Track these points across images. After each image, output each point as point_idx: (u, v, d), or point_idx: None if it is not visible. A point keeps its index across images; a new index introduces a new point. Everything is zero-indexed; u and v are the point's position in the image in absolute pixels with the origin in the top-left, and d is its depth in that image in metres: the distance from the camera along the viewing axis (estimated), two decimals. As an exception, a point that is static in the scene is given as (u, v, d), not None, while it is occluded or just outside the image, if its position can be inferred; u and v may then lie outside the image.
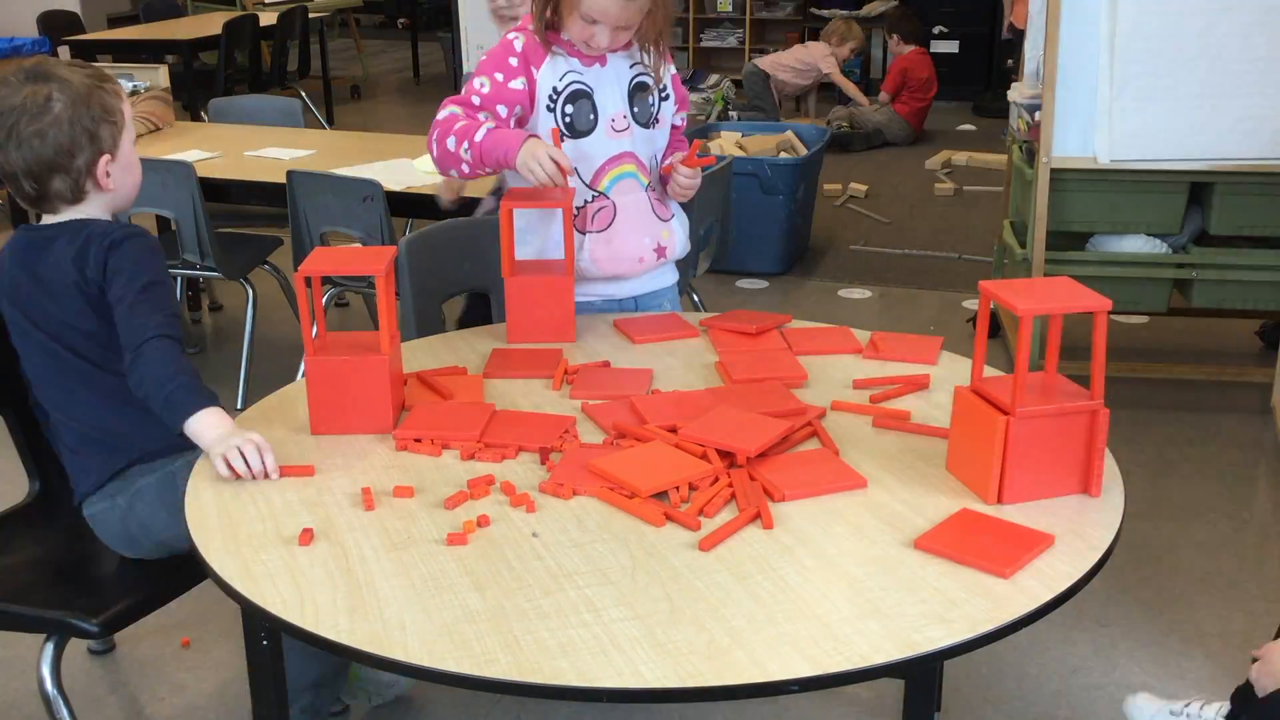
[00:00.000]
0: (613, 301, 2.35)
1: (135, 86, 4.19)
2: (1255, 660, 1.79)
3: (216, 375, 3.82)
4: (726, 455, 1.62)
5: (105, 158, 1.86)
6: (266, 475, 1.61)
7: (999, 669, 2.43)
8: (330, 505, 1.55)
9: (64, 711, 1.91)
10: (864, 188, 6.29)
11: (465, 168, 2.13)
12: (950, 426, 1.64)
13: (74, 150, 1.84)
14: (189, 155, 3.61)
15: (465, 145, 2.09)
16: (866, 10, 9.16)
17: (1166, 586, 2.71)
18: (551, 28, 2.16)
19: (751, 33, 9.53)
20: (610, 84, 2.21)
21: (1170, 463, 3.24)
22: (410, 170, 3.46)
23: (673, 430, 1.70)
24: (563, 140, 2.18)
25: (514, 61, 2.16)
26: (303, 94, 7.45)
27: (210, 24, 7.40)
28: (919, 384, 1.90)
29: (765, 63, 7.72)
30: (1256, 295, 3.45)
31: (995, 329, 4.07)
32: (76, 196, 1.89)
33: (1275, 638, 1.87)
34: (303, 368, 1.79)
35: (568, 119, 2.19)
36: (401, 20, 11.90)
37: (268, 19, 7.54)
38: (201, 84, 6.91)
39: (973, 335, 1.66)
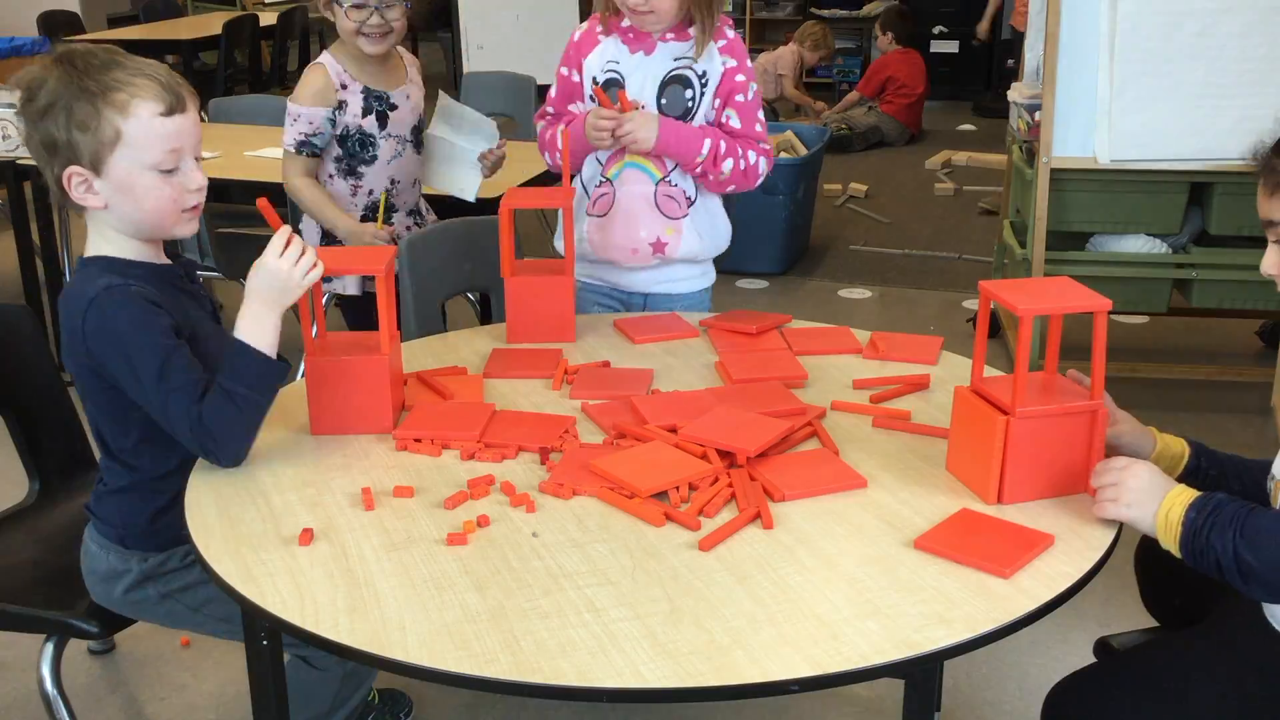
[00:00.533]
0: (619, 291, 2.37)
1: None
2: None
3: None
4: (726, 455, 1.62)
5: (76, 169, 1.64)
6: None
7: (999, 669, 2.43)
8: (330, 505, 1.55)
9: (64, 711, 1.91)
10: (864, 188, 6.29)
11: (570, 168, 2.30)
12: (950, 426, 1.64)
13: (48, 148, 1.65)
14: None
15: (557, 155, 2.31)
16: (866, 10, 9.16)
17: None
18: (617, 11, 2.24)
19: (751, 33, 9.53)
20: (644, 74, 2.25)
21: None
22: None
23: (673, 430, 1.70)
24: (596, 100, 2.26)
25: (571, 53, 2.32)
26: (303, 94, 7.43)
27: (210, 24, 7.40)
28: (919, 384, 1.90)
29: None
30: (1256, 295, 3.45)
31: (995, 329, 4.07)
32: (68, 201, 1.69)
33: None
34: (303, 368, 1.79)
35: (595, 102, 2.27)
36: (401, 20, 11.90)
37: (268, 19, 7.54)
38: (201, 84, 6.90)
39: (973, 335, 1.66)
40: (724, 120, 2.28)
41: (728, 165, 2.25)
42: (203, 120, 4.55)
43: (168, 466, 1.75)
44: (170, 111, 1.65)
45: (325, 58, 2.71)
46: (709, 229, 2.36)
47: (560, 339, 2.12)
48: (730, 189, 2.32)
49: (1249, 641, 1.55)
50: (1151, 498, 1.44)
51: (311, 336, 1.76)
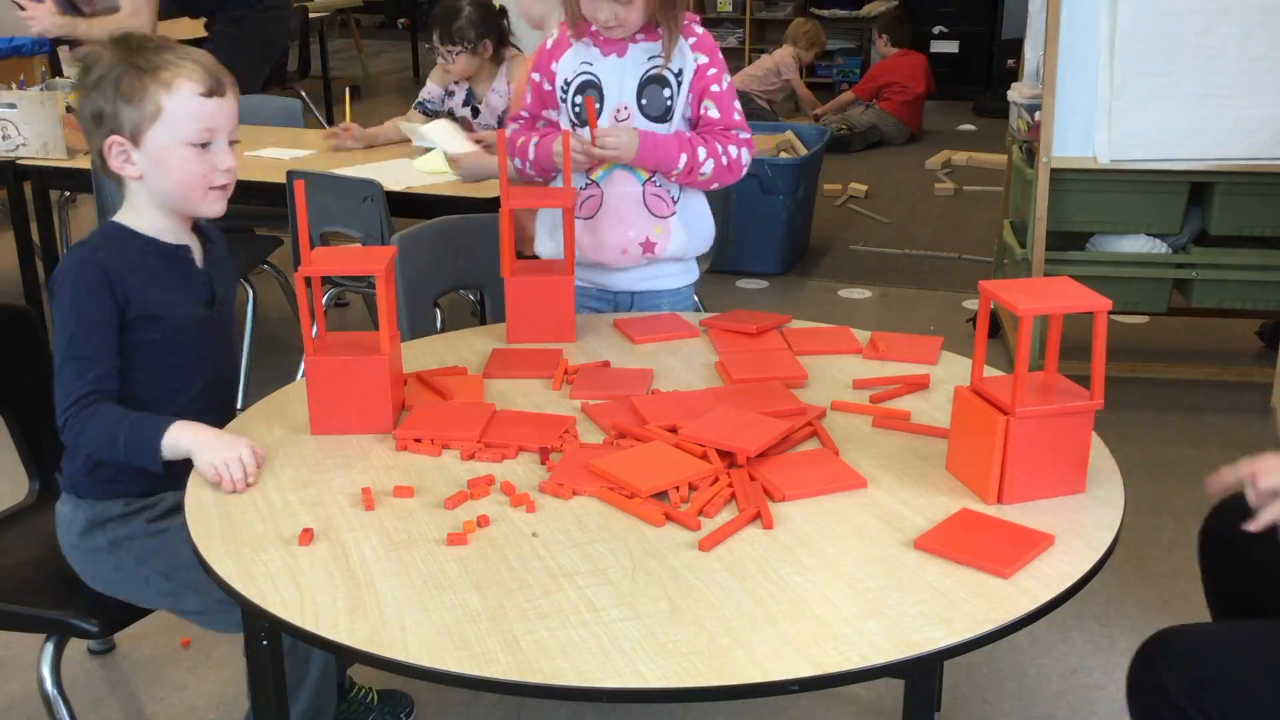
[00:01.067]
0: (607, 292, 2.37)
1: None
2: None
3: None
4: (726, 455, 1.62)
5: (116, 139, 1.77)
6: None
7: (999, 669, 2.43)
8: (330, 505, 1.55)
9: (64, 711, 1.90)
10: (864, 188, 6.29)
11: (539, 180, 2.37)
12: (950, 426, 1.64)
13: (95, 118, 1.78)
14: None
15: (525, 162, 2.34)
16: (866, 10, 9.16)
17: (1166, 586, 2.70)
18: (582, 17, 2.24)
19: (751, 33, 9.53)
20: (620, 75, 2.26)
21: (1170, 463, 3.24)
22: (410, 170, 3.46)
23: (673, 430, 1.70)
24: (575, 129, 2.28)
25: (543, 60, 2.32)
26: (303, 94, 7.45)
27: (210, 24, 7.38)
28: (919, 384, 1.90)
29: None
30: (1256, 295, 3.45)
31: (995, 329, 4.07)
32: (107, 171, 1.81)
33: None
34: (303, 368, 1.79)
35: (576, 109, 2.27)
36: (401, 20, 11.89)
37: (268, 19, 7.52)
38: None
39: (973, 335, 1.66)
40: (703, 112, 2.29)
41: (709, 166, 2.27)
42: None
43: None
44: (210, 94, 1.78)
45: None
46: (695, 226, 2.39)
47: (560, 339, 2.12)
48: (715, 186, 2.34)
49: None
50: None
51: (311, 336, 1.76)
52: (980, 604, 1.32)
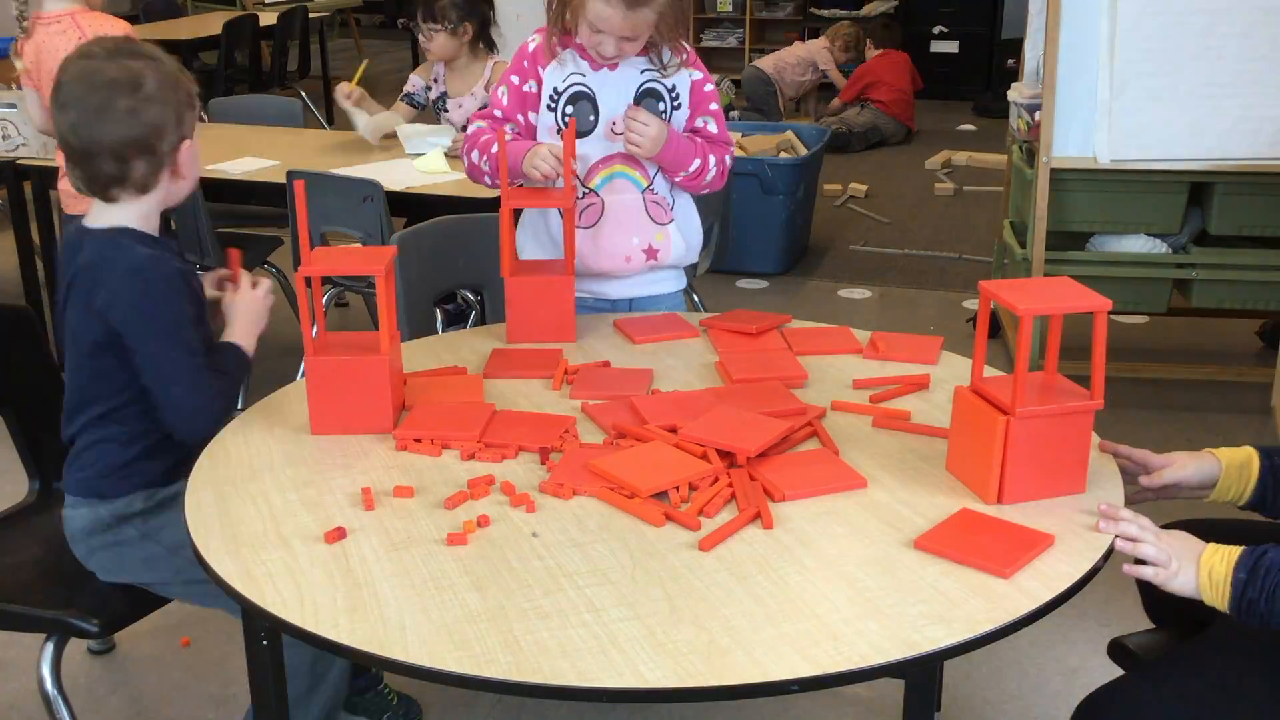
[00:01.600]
0: (604, 301, 2.36)
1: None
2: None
3: (216, 375, 3.82)
4: (726, 455, 1.62)
5: (188, 143, 1.82)
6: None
7: (999, 669, 2.43)
8: (330, 505, 1.55)
9: (64, 711, 1.90)
10: (864, 188, 6.29)
11: (488, 180, 2.28)
12: (950, 426, 1.64)
13: (164, 131, 1.78)
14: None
15: (485, 158, 2.26)
16: (866, 11, 9.16)
17: (1166, 586, 2.70)
18: (566, 31, 2.20)
19: (751, 33, 9.53)
20: (616, 87, 2.23)
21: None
22: (410, 170, 3.46)
23: (673, 430, 1.70)
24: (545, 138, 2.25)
25: (526, 64, 2.26)
26: (303, 94, 7.45)
27: (210, 24, 7.40)
28: (919, 384, 1.90)
29: (767, 64, 7.70)
30: (1256, 295, 3.45)
31: (995, 329, 4.07)
32: (149, 184, 1.81)
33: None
34: (303, 368, 1.79)
35: (567, 119, 2.23)
36: (401, 20, 11.88)
37: (268, 19, 7.54)
38: (201, 84, 6.89)
39: (973, 335, 1.66)
40: (700, 126, 2.30)
41: (712, 172, 2.30)
42: (203, 120, 4.56)
43: (147, 422, 1.85)
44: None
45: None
46: (689, 231, 2.39)
47: (560, 339, 2.12)
48: (705, 191, 2.35)
49: None
50: (1188, 559, 1.44)
51: (311, 336, 1.76)
52: (980, 604, 1.32)
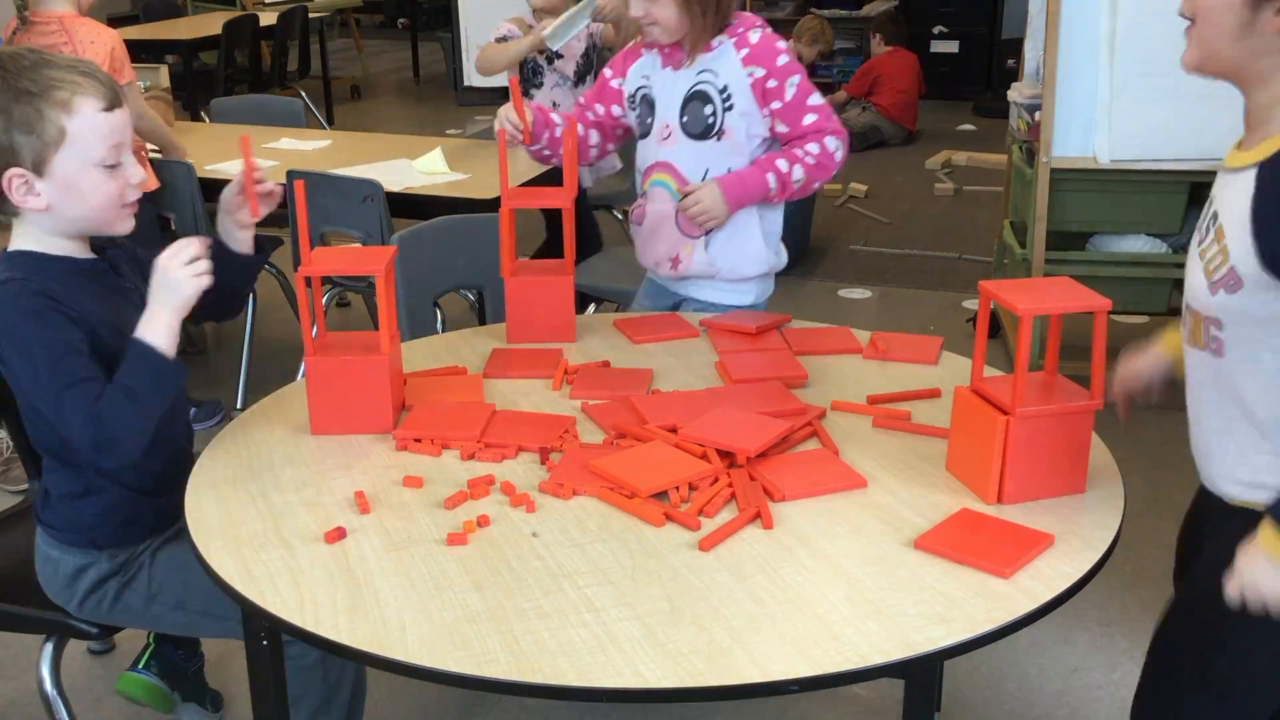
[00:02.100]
0: (666, 291, 2.44)
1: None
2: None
3: (216, 376, 3.83)
4: (726, 455, 1.62)
5: (16, 171, 1.60)
6: None
7: (999, 669, 2.43)
8: (330, 505, 1.55)
9: (64, 711, 1.90)
10: (864, 188, 6.29)
11: (530, 148, 2.39)
12: (950, 426, 1.64)
13: None
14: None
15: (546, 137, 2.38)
16: (866, 10, 9.15)
17: (1166, 586, 2.70)
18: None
19: (752, 33, 9.50)
20: (669, 91, 2.28)
21: (1170, 463, 3.24)
22: (410, 171, 3.46)
23: (673, 430, 1.70)
24: (638, 140, 2.39)
25: (621, 60, 2.40)
26: (303, 94, 7.45)
27: (210, 24, 7.40)
28: (930, 396, 1.88)
29: None
30: (1256, 295, 3.44)
31: (995, 329, 4.07)
32: (4, 207, 1.65)
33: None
34: (303, 368, 1.79)
35: (637, 121, 2.38)
36: (401, 20, 11.90)
37: (268, 19, 7.53)
38: (201, 84, 6.91)
39: (973, 335, 1.66)
40: (772, 127, 2.25)
41: (798, 173, 2.23)
42: (203, 121, 4.55)
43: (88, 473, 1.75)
44: (110, 106, 1.64)
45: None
46: (732, 249, 2.32)
47: (560, 339, 2.12)
48: (817, 186, 2.29)
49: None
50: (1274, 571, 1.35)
51: (311, 336, 1.75)
52: (980, 604, 1.32)
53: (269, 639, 1.52)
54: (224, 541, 1.47)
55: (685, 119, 2.26)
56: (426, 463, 1.67)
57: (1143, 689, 1.64)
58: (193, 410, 3.37)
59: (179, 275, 1.62)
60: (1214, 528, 1.57)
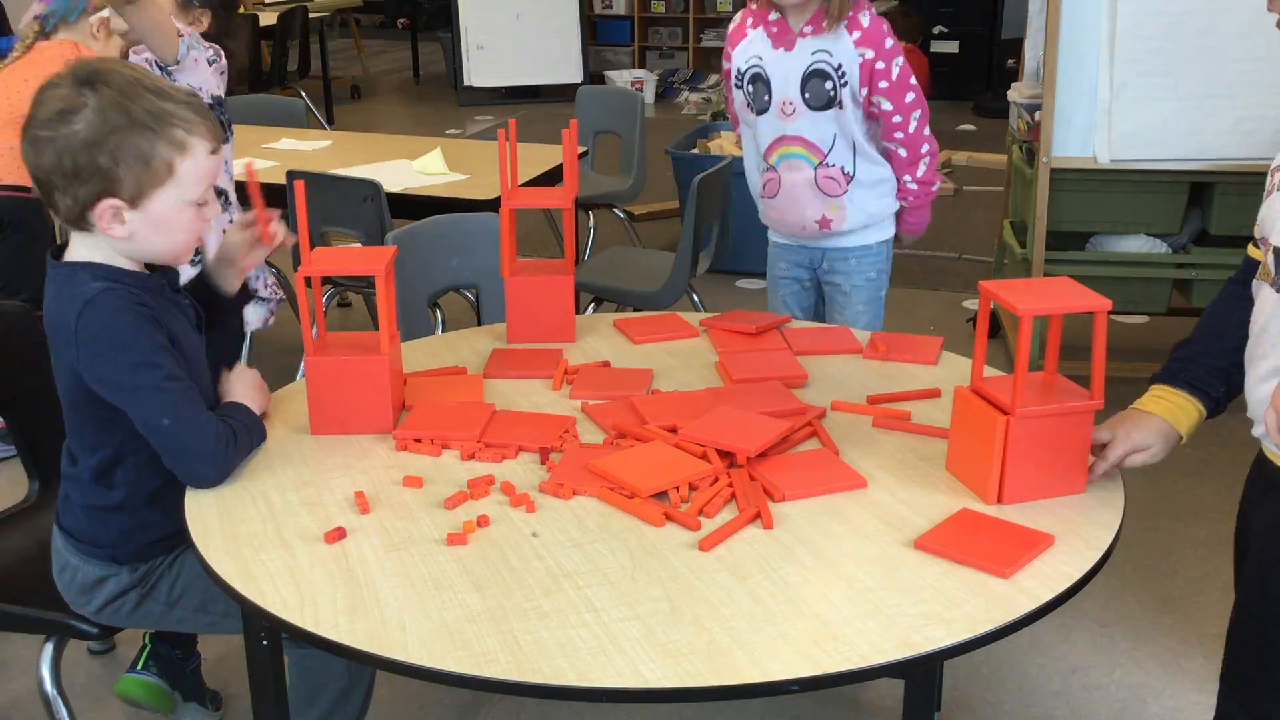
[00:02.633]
0: (803, 248, 2.62)
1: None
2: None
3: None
4: (726, 455, 1.62)
5: (111, 202, 1.57)
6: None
7: (999, 669, 2.43)
8: (330, 505, 1.55)
9: (64, 711, 1.90)
10: (864, 188, 6.28)
11: None
12: (950, 426, 1.64)
13: (76, 175, 1.56)
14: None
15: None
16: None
17: (1166, 586, 2.70)
18: (762, 3, 2.43)
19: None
20: (785, 69, 2.41)
21: (1170, 463, 3.23)
22: (409, 171, 3.46)
23: (673, 430, 1.70)
24: (749, 111, 2.52)
25: (728, 45, 2.54)
26: (303, 94, 7.45)
27: (210, 24, 7.39)
28: (930, 396, 1.89)
29: None
30: (1256, 295, 3.45)
31: (995, 329, 4.07)
32: (80, 224, 1.61)
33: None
34: (302, 367, 1.79)
35: (749, 98, 2.49)
36: (401, 20, 11.90)
37: (268, 19, 7.54)
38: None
39: (973, 335, 1.66)
40: (875, 105, 2.41)
41: (922, 170, 2.52)
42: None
43: (154, 484, 1.72)
44: (216, 149, 1.63)
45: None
46: (872, 197, 2.50)
47: (560, 339, 2.12)
48: (935, 190, 2.59)
49: None
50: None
51: (311, 336, 1.76)
52: (980, 604, 1.32)
53: (269, 639, 1.52)
54: (224, 541, 1.47)
55: (807, 95, 2.41)
56: (426, 463, 1.67)
57: (1220, 699, 1.61)
58: None
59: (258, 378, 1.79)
60: (1269, 507, 1.55)
